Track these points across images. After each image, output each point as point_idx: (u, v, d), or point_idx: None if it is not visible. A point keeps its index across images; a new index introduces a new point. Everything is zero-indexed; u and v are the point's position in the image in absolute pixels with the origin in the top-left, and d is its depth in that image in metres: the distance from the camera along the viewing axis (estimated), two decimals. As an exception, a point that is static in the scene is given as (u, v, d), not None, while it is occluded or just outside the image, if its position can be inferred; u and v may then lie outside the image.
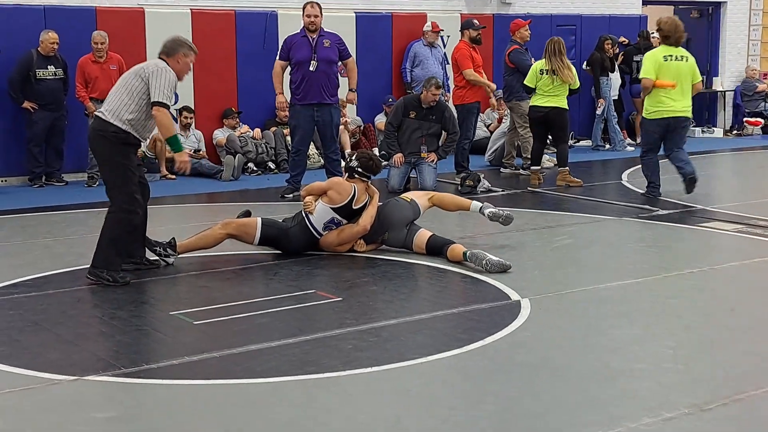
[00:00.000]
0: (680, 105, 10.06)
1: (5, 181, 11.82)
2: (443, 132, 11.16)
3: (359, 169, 7.73)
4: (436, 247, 7.52)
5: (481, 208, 8.12)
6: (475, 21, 12.10)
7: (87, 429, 4.24)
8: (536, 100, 11.39)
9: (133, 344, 5.50)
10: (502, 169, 12.64)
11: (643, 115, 10.42)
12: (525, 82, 11.53)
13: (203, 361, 5.12)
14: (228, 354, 5.21)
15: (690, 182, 10.18)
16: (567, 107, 11.47)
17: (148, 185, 7.34)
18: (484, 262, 6.99)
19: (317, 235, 7.61)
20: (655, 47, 12.43)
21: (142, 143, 7.41)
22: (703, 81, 16.47)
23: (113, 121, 6.75)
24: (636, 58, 15.14)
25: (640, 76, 10.43)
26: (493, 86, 11.93)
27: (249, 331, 5.69)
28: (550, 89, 11.23)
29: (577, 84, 11.44)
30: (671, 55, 10.10)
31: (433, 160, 10.99)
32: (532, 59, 12.24)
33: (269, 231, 7.54)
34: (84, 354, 5.25)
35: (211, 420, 4.37)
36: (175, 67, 6.97)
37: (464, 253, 7.20)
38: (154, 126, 6.98)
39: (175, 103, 12.68)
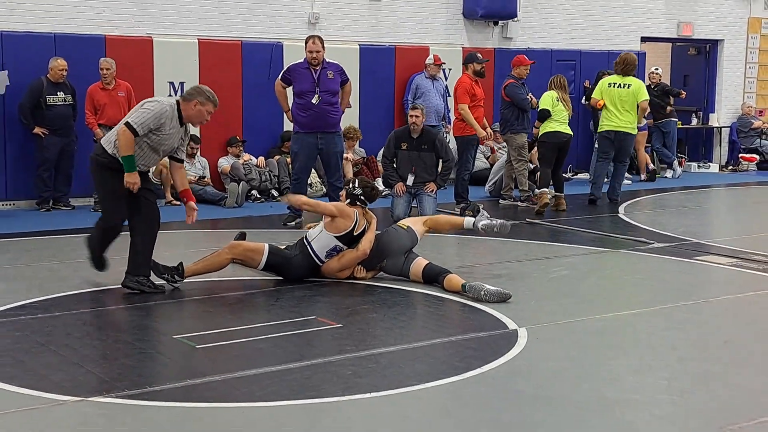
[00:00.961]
0: (620, 122, 12.35)
1: (13, 204, 11.87)
2: (439, 160, 11.22)
3: (362, 197, 7.78)
4: (432, 276, 7.54)
5: (474, 222, 8.11)
6: (479, 55, 12.17)
7: (90, 450, 4.26)
8: (557, 127, 11.64)
9: (137, 367, 5.51)
10: (500, 201, 12.71)
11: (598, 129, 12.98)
12: (542, 107, 11.73)
13: (205, 384, 5.13)
14: (229, 378, 5.22)
15: (591, 201, 12.51)
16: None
17: (157, 210, 7.42)
18: (482, 293, 7.00)
19: (319, 263, 7.64)
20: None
21: (149, 170, 7.49)
22: (699, 117, 16.69)
23: (105, 147, 7.14)
24: None
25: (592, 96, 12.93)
26: (482, 132, 11.78)
27: (250, 356, 5.71)
28: (564, 117, 11.67)
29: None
30: (615, 83, 12.41)
31: (432, 190, 11.05)
32: (529, 94, 12.36)
33: (274, 258, 7.58)
34: (88, 375, 5.26)
35: (213, 443, 4.38)
36: (188, 112, 7.22)
37: (463, 285, 7.20)
38: (154, 158, 7.28)
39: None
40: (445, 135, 13.69)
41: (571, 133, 12.11)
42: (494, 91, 14.55)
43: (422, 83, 13.72)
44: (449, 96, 14.02)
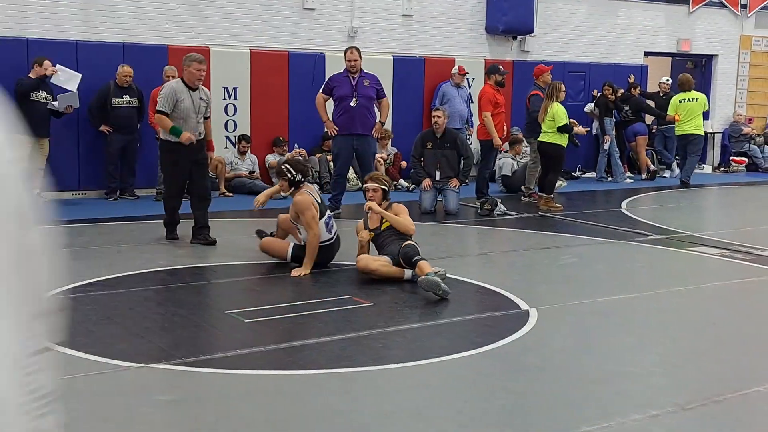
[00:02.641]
0: (691, 126, 14.38)
1: (85, 194, 11.98)
2: (460, 157, 11.22)
3: (298, 176, 7.54)
4: (407, 258, 7.01)
5: (413, 275, 6.96)
6: (501, 67, 12.12)
7: (151, 410, 4.31)
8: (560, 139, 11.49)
9: (192, 338, 5.57)
10: (522, 198, 12.52)
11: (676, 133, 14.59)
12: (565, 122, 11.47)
13: (252, 354, 5.17)
14: (274, 348, 5.26)
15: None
16: (549, 141, 11.55)
17: (207, 188, 8.66)
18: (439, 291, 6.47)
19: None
20: (635, 97, 15.03)
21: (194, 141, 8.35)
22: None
23: (161, 136, 8.55)
24: (625, 107, 15.22)
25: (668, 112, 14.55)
26: (498, 141, 11.66)
27: (292, 330, 5.75)
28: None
29: (557, 123, 11.39)
30: (684, 99, 14.14)
31: (455, 185, 11.05)
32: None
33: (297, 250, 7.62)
34: (149, 345, 5.32)
35: (258, 405, 4.42)
36: (187, 77, 8.34)
37: (425, 275, 6.61)
38: (187, 126, 8.30)
39: (234, 130, 12.83)
40: (468, 137, 13.69)
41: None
42: (512, 99, 14.53)
43: (448, 90, 13.68)
44: (472, 102, 13.97)
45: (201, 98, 8.43)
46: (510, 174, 13.37)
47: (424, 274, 6.63)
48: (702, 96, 14.69)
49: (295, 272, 7.25)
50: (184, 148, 8.30)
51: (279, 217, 7.98)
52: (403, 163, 13.63)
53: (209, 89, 12.26)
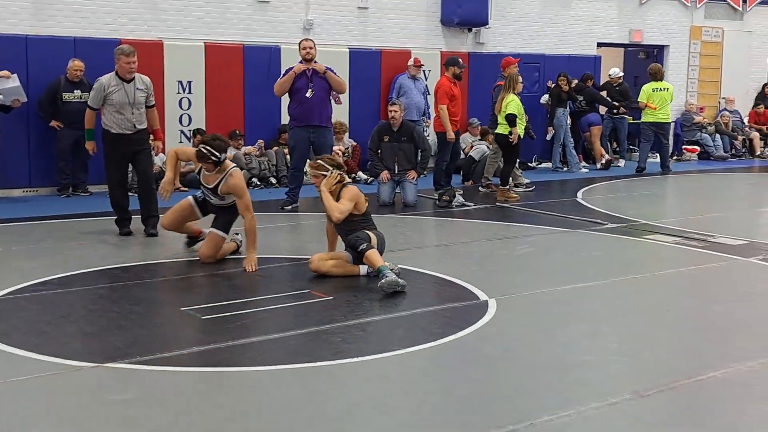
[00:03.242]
0: (662, 115, 14.95)
1: (36, 191, 11.77)
2: (417, 150, 11.23)
3: (215, 153, 7.42)
4: (353, 248, 6.93)
5: (369, 271, 6.92)
6: (460, 60, 12.08)
7: (107, 410, 4.22)
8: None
9: (148, 336, 5.47)
10: (480, 188, 12.57)
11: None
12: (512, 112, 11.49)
13: (210, 351, 5.10)
14: (232, 345, 5.20)
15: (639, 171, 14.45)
16: (504, 132, 11.59)
17: (150, 178, 8.79)
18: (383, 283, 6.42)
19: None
20: (589, 88, 15.27)
21: (155, 159, 7.97)
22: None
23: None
24: (579, 98, 15.34)
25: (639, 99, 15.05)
26: (451, 134, 11.61)
27: (250, 325, 5.69)
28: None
29: (505, 112, 11.45)
30: (657, 88, 14.85)
31: (413, 177, 11.05)
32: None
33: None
34: (104, 344, 5.23)
35: (217, 402, 4.36)
36: (120, 70, 8.48)
37: (379, 268, 6.61)
38: (124, 118, 8.46)
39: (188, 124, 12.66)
40: (424, 129, 13.68)
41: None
42: (468, 91, 14.55)
43: (405, 83, 13.67)
44: (429, 94, 13.97)
45: (138, 89, 8.52)
46: (477, 160, 13.36)
47: (375, 268, 6.63)
48: (671, 86, 15.37)
49: (248, 266, 7.16)
50: (122, 140, 8.44)
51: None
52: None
53: (163, 83, 12.17)
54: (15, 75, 10.83)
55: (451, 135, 11.66)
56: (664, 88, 15.06)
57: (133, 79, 8.52)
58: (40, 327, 5.54)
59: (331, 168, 7.15)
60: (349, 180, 7.34)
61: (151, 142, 8.93)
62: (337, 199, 7.03)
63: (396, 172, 11.09)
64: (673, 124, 18.01)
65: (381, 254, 6.94)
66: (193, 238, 7.99)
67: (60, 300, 6.23)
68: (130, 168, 8.94)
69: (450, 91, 11.67)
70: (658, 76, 15.11)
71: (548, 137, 15.06)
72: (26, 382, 4.54)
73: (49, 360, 4.84)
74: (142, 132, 8.61)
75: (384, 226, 7.94)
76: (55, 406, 4.27)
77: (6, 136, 11.14)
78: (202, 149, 7.38)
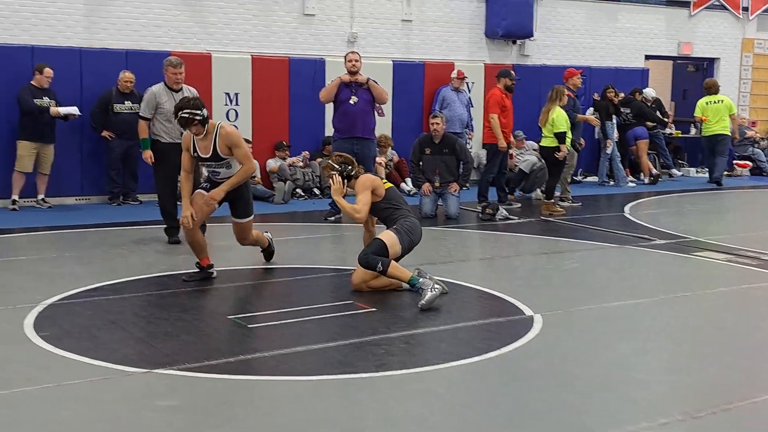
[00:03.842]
0: (718, 127, 15.08)
1: (88, 199, 11.96)
2: (459, 162, 11.18)
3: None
4: (368, 267, 6.73)
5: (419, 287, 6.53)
6: (512, 72, 12.04)
7: (155, 415, 4.28)
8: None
9: (196, 343, 5.53)
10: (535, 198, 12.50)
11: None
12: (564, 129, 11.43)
13: (255, 359, 5.14)
14: (277, 354, 5.23)
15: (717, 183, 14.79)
16: (549, 145, 11.49)
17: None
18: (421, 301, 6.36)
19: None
20: (637, 101, 15.19)
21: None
22: (698, 127, 16.46)
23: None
24: (622, 110, 15.19)
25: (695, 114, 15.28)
26: (502, 143, 11.59)
27: (295, 335, 5.71)
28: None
29: (555, 128, 11.35)
30: (711, 101, 15.02)
31: (455, 190, 11.03)
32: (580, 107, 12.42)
33: None
34: (153, 350, 5.29)
35: (261, 411, 4.39)
36: (167, 80, 8.74)
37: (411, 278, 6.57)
38: (173, 127, 8.45)
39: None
40: (467, 141, 13.67)
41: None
42: (513, 102, 14.48)
43: (448, 95, 13.67)
44: (472, 107, 13.97)
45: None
46: (528, 171, 13.24)
47: (406, 282, 6.57)
48: (727, 98, 15.51)
49: (203, 198, 7.16)
50: (171, 149, 8.49)
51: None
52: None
53: (210, 94, 12.31)
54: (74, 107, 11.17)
55: (503, 144, 11.60)
56: (719, 101, 15.17)
57: (181, 89, 8.68)
58: (91, 332, 5.63)
59: (339, 166, 7.08)
60: (362, 171, 7.22)
61: None
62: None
63: (438, 184, 11.08)
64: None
65: (412, 247, 6.88)
66: (268, 251, 7.89)
67: (111, 306, 6.32)
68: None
69: (501, 102, 11.64)
70: (712, 90, 15.28)
71: (608, 150, 14.91)
72: (78, 386, 4.62)
73: (100, 365, 4.92)
74: None
75: (426, 238, 7.92)
76: (105, 410, 4.33)
77: (61, 145, 11.36)
78: (183, 114, 7.08)
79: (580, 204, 12.36)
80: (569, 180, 12.70)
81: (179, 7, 12.52)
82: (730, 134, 15.40)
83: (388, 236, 6.86)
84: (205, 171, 7.49)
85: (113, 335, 5.60)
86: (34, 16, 11.55)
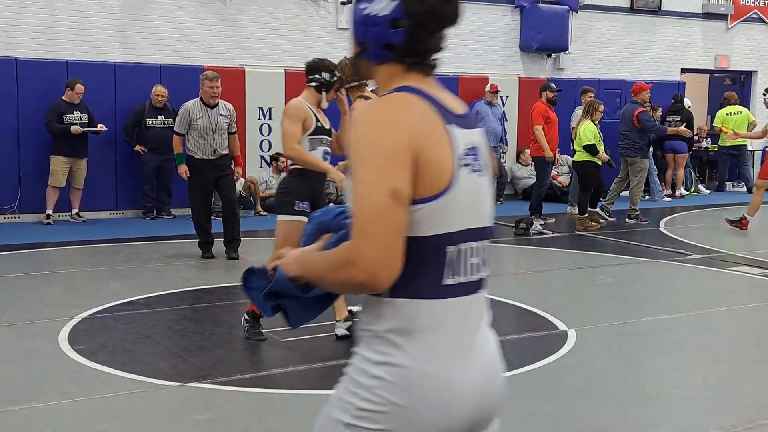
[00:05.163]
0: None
1: (122, 213, 12.11)
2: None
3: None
4: None
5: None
6: (552, 84, 12.03)
7: (189, 429, 4.34)
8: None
9: (230, 357, 5.59)
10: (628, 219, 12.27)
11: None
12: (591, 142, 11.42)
13: (289, 373, 5.19)
14: (310, 368, 5.28)
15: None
16: (581, 160, 11.48)
17: (234, 201, 8.85)
18: None
19: None
20: (685, 109, 14.74)
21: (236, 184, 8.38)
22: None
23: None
24: (669, 119, 15.06)
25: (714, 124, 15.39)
26: (549, 153, 11.40)
27: (329, 348, 5.75)
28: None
29: (584, 141, 11.34)
30: (731, 112, 15.18)
31: None
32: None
33: None
34: (188, 364, 5.36)
35: (295, 424, 4.43)
36: (203, 95, 8.70)
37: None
38: (206, 143, 8.60)
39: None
40: (501, 156, 13.67)
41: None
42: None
43: (482, 109, 13.71)
44: (506, 120, 13.99)
45: (221, 114, 8.73)
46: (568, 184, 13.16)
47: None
48: (744, 109, 15.76)
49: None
50: (205, 165, 8.63)
51: None
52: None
53: (244, 109, 12.44)
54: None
55: (549, 154, 11.54)
56: (738, 112, 15.38)
57: (217, 104, 8.75)
58: (125, 346, 5.71)
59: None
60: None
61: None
62: None
63: None
64: (760, 153, 17.65)
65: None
66: None
67: (145, 320, 6.41)
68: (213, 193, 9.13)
69: (545, 113, 11.65)
70: (732, 101, 15.56)
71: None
72: (112, 399, 4.69)
73: (135, 378, 5.00)
74: (224, 157, 8.81)
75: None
76: (140, 424, 4.39)
77: (94, 160, 11.52)
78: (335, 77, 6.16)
79: (615, 218, 12.24)
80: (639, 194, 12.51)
81: (213, 21, 12.68)
82: (746, 144, 15.64)
83: None
84: (319, 150, 6.12)
85: (147, 349, 5.68)
86: (68, 31, 11.75)
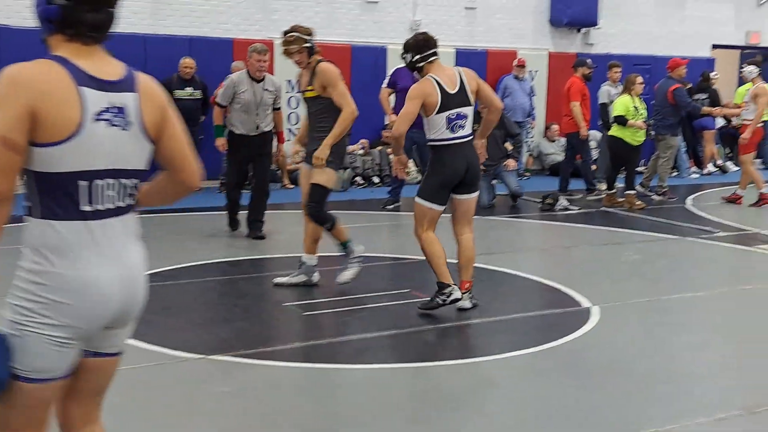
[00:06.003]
0: None
1: (151, 185, 12.11)
2: (507, 137, 10.87)
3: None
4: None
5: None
6: (589, 60, 11.86)
7: (210, 400, 4.30)
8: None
9: (252, 329, 5.55)
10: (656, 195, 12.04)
11: None
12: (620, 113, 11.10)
13: (309, 346, 5.15)
14: (331, 342, 5.23)
15: None
16: (613, 135, 11.15)
17: (266, 182, 8.56)
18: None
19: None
20: (713, 87, 13.28)
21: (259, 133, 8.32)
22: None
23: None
24: (696, 97, 14.73)
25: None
26: (584, 130, 11.38)
27: (350, 323, 5.71)
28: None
29: (614, 112, 11.04)
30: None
31: (513, 167, 10.85)
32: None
33: None
34: (209, 336, 5.33)
35: (314, 398, 4.39)
36: (250, 68, 8.20)
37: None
38: (250, 118, 8.22)
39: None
40: (529, 131, 13.50)
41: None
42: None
43: (510, 83, 13.53)
44: (534, 95, 13.80)
45: (266, 89, 8.27)
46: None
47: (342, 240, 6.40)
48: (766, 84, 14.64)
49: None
50: (247, 140, 8.29)
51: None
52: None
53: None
54: None
55: (584, 131, 11.38)
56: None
57: (263, 79, 8.29)
58: (147, 317, 5.57)
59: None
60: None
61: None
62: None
63: (487, 162, 10.75)
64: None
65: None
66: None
67: (168, 292, 6.36)
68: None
69: (582, 90, 11.48)
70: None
71: None
72: (132, 371, 4.65)
73: (155, 350, 4.96)
74: (266, 135, 8.41)
75: (485, 227, 7.84)
76: (160, 395, 4.37)
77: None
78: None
79: (675, 197, 11.90)
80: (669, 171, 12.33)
81: (242, -5, 12.59)
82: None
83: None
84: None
85: (169, 321, 5.64)
86: (100, 4, 11.71)
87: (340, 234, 6.42)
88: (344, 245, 6.45)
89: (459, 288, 5.81)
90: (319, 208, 6.27)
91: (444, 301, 5.75)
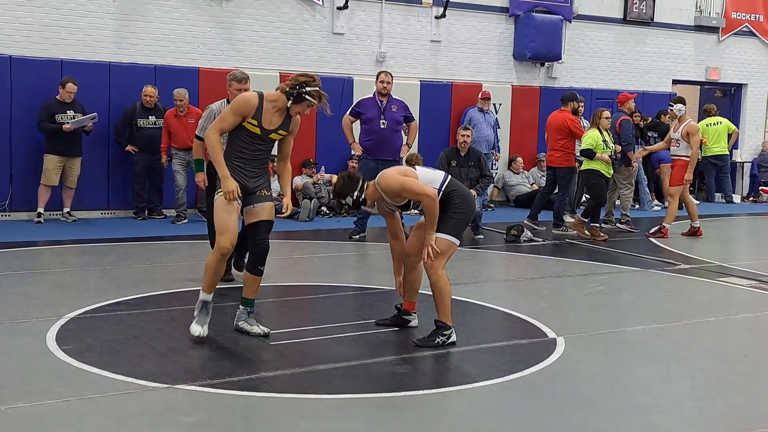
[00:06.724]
0: (719, 148, 15.30)
1: (114, 213, 12.05)
2: (481, 175, 11.04)
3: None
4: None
5: None
6: (578, 95, 12.18)
7: (176, 430, 4.28)
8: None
9: (218, 359, 5.54)
10: (620, 224, 12.43)
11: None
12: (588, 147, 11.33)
13: (277, 376, 5.14)
14: (299, 372, 5.23)
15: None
16: (586, 169, 11.47)
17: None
18: None
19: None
20: (665, 124, 14.74)
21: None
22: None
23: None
24: (649, 134, 15.04)
25: None
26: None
27: (317, 353, 5.71)
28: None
29: (581, 146, 11.37)
30: (711, 123, 15.12)
31: (475, 195, 10.98)
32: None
33: None
34: (175, 365, 5.30)
35: (281, 428, 4.38)
36: (230, 97, 7.52)
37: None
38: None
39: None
40: (493, 163, 13.66)
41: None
42: (539, 125, 14.50)
43: (474, 116, 13.70)
44: (498, 128, 14.00)
45: None
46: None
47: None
48: (725, 119, 15.63)
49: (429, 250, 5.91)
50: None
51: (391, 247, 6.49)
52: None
53: (238, 111, 12.37)
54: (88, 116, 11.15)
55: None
56: (718, 122, 15.25)
57: None
58: (113, 346, 5.64)
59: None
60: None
61: None
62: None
63: None
64: (749, 165, 17.70)
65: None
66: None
67: (134, 320, 6.34)
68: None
69: (579, 125, 11.68)
70: (711, 113, 15.42)
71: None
72: (99, 400, 4.63)
73: (122, 379, 4.93)
74: None
75: (451, 259, 7.87)
76: (127, 425, 4.33)
77: (87, 159, 11.47)
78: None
79: (638, 230, 12.12)
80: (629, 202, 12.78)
81: (209, 23, 12.64)
82: (728, 154, 15.68)
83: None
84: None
85: (136, 350, 5.61)
86: (63, 30, 11.70)
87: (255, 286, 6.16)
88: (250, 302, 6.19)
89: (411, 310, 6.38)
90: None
91: (444, 342, 5.89)
